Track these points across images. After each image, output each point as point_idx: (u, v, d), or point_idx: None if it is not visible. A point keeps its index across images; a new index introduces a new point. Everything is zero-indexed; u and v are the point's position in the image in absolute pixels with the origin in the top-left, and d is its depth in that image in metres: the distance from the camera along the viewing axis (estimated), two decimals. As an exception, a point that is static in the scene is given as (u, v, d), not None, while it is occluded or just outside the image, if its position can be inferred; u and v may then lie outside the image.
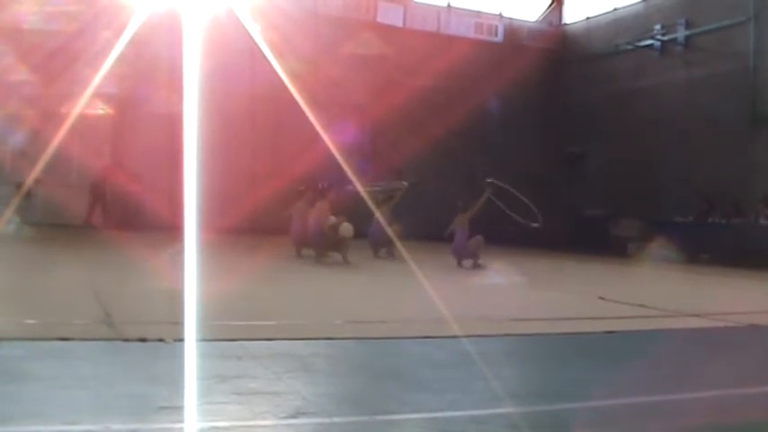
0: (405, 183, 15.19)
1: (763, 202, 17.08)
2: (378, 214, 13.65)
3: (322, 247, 12.77)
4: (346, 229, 12.80)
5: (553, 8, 25.44)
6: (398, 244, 12.76)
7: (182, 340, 4.77)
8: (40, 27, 17.72)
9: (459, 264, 12.94)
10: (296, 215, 13.65)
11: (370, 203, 13.53)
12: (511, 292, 9.84)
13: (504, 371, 4.79)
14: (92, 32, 17.49)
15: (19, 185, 16.20)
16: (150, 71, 18.11)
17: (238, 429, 3.30)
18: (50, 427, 3.15)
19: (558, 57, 24.57)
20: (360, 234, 13.71)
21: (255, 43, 16.44)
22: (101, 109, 18.92)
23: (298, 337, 5.42)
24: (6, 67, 17.27)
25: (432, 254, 13.58)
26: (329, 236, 12.71)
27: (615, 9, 22.88)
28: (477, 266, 12.78)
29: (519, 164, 21.97)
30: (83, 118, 16.72)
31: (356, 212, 13.87)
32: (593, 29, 23.82)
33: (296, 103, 15.02)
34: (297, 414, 3.47)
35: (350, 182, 13.74)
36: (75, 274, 8.86)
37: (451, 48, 22.81)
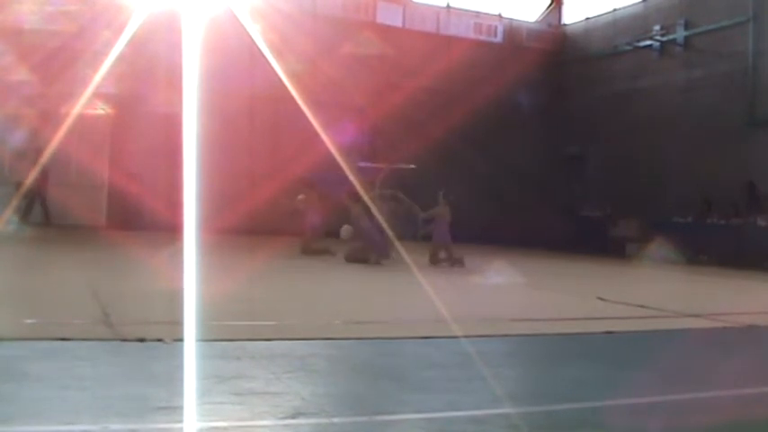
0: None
1: (747, 189, 17.30)
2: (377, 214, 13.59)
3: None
4: (346, 231, 12.81)
5: (552, 9, 25.44)
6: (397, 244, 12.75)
7: (180, 340, 4.77)
8: (40, 27, 17.71)
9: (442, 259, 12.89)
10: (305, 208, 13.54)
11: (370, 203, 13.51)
12: (510, 292, 9.83)
13: (503, 371, 4.79)
14: (91, 33, 17.47)
15: (18, 186, 16.19)
16: (149, 71, 18.10)
17: (237, 430, 3.30)
18: (49, 427, 3.15)
19: (557, 57, 24.58)
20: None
21: (255, 43, 16.43)
22: (100, 109, 18.91)
23: (297, 338, 5.42)
24: (6, 66, 17.26)
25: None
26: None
27: (614, 10, 22.89)
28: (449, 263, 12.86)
29: (518, 164, 21.99)
30: (82, 118, 16.70)
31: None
32: (593, 29, 23.83)
33: (295, 104, 15.01)
34: (296, 414, 3.47)
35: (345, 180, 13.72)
36: (74, 273, 8.86)
37: (451, 48, 22.81)
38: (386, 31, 22.23)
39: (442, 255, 13.00)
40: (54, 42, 17.30)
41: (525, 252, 16.63)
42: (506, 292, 9.87)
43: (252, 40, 16.48)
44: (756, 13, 18.48)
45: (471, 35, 23.87)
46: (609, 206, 20.68)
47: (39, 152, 16.71)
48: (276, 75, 15.25)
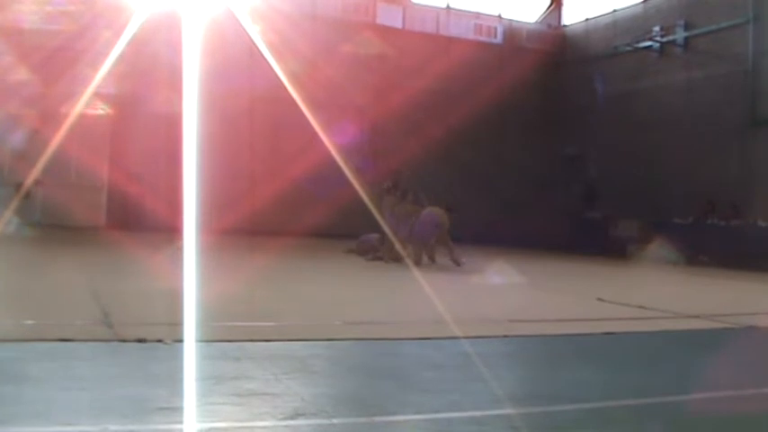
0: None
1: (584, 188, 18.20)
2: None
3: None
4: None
5: (552, 10, 25.45)
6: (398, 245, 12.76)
7: (180, 341, 4.77)
8: (40, 27, 17.71)
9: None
10: (394, 213, 13.52)
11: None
12: (510, 292, 9.83)
13: (503, 372, 4.79)
14: (91, 33, 17.47)
15: (18, 186, 16.19)
16: (150, 72, 18.10)
17: (237, 430, 3.30)
18: (50, 428, 3.15)
19: (557, 58, 24.58)
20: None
21: (255, 44, 16.45)
22: (100, 109, 18.91)
23: (296, 339, 5.42)
24: (5, 67, 17.26)
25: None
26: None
27: (614, 10, 22.89)
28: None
29: (518, 165, 22.00)
30: (82, 119, 16.71)
31: None
32: (593, 30, 23.82)
33: (295, 104, 15.02)
34: (295, 415, 3.47)
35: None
36: (74, 274, 8.85)
37: (451, 49, 22.82)
38: (386, 32, 22.24)
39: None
40: (54, 43, 17.31)
41: (525, 252, 16.63)
42: (506, 292, 9.87)
43: (252, 41, 16.51)
44: (756, 14, 18.48)
45: (471, 36, 23.88)
46: (609, 206, 20.67)
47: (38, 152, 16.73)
48: (276, 76, 15.27)
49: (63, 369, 4.16)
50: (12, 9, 17.86)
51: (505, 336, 6.06)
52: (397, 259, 12.73)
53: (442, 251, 13.20)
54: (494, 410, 3.78)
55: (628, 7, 22.40)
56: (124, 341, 4.93)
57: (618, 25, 22.60)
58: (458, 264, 12.73)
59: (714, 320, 7.47)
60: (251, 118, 20.22)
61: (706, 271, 14.96)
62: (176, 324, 5.03)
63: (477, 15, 24.17)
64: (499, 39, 24.35)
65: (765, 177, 17.45)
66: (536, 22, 25.42)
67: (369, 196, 13.38)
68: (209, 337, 4.96)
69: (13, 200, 15.47)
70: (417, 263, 12.52)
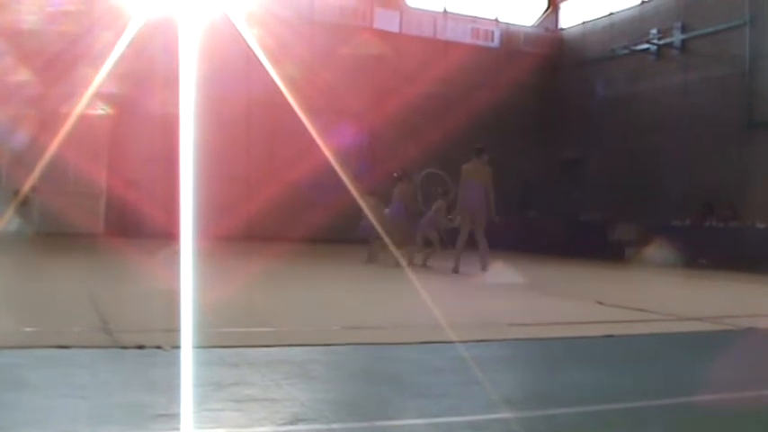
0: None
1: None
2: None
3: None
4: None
5: (549, 13, 25.50)
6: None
7: (179, 347, 4.76)
8: (36, 29, 17.71)
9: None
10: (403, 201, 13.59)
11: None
12: (508, 296, 9.82)
13: (501, 376, 4.79)
14: (87, 38, 17.49)
15: (16, 193, 16.19)
16: (146, 77, 18.11)
17: (236, 436, 3.29)
18: (47, 435, 3.14)
19: (554, 61, 24.63)
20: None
21: (252, 49, 16.46)
22: (98, 116, 18.90)
23: (295, 344, 5.41)
24: (3, 68, 17.25)
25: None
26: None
27: (611, 13, 22.94)
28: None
29: (516, 169, 22.01)
30: (79, 125, 16.70)
31: None
32: (590, 33, 23.87)
33: (292, 109, 15.03)
34: (295, 421, 3.46)
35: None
36: (72, 281, 8.85)
37: (448, 53, 22.87)
38: (383, 37, 22.28)
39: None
40: (49, 47, 17.31)
41: (523, 256, 16.62)
42: (504, 295, 9.86)
43: (249, 45, 16.52)
44: (753, 17, 18.52)
45: (468, 40, 23.92)
46: (607, 210, 20.67)
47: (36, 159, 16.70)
48: (273, 80, 15.28)
49: (62, 376, 4.15)
50: (10, 11, 17.86)
51: (504, 339, 6.06)
52: (395, 262, 12.74)
53: (441, 254, 13.23)
54: (492, 414, 3.77)
55: (625, 10, 22.46)
56: (123, 348, 4.92)
57: (615, 28, 22.65)
58: (455, 271, 12.67)
59: (714, 323, 7.47)
60: (248, 123, 20.24)
61: (705, 273, 14.97)
62: (175, 330, 5.03)
63: (474, 19, 24.21)
64: (496, 42, 24.39)
65: (763, 179, 17.47)
66: (533, 25, 25.47)
67: (366, 202, 13.38)
68: (207, 343, 4.95)
69: (10, 207, 15.46)
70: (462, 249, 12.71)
